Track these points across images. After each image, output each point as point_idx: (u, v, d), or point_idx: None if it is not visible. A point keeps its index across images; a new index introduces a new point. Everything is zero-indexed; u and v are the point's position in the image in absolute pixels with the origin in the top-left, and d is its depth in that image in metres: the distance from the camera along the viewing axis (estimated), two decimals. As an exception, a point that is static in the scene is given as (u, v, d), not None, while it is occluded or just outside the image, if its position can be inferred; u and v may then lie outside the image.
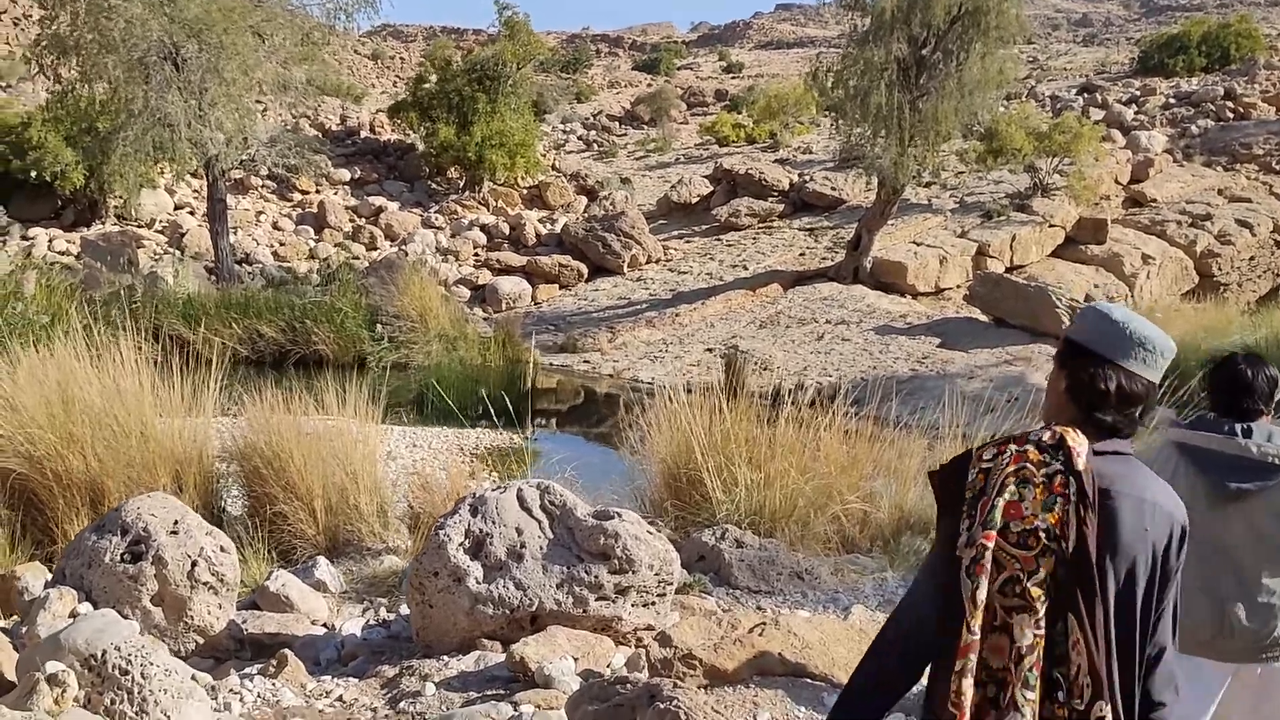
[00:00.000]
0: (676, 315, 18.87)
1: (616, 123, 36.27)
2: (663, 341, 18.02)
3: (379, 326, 16.33)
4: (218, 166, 17.78)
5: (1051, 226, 20.22)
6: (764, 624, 3.97)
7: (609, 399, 15.63)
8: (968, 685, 1.90)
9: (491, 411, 14.11)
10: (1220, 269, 19.37)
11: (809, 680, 3.83)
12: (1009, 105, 23.18)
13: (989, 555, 1.91)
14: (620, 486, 7.91)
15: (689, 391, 7.61)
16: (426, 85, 24.11)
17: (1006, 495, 1.94)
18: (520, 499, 4.61)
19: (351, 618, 5.70)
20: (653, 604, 4.53)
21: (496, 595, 4.42)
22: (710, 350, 17.19)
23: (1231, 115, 25.48)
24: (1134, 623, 1.98)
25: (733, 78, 45.18)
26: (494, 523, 4.54)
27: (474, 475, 10.12)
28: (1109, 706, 1.91)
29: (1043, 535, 1.90)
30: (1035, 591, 1.89)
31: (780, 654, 3.83)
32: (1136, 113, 26.28)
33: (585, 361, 17.03)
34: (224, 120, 17.36)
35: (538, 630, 4.38)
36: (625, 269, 21.19)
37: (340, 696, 4.18)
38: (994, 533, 1.92)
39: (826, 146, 26.83)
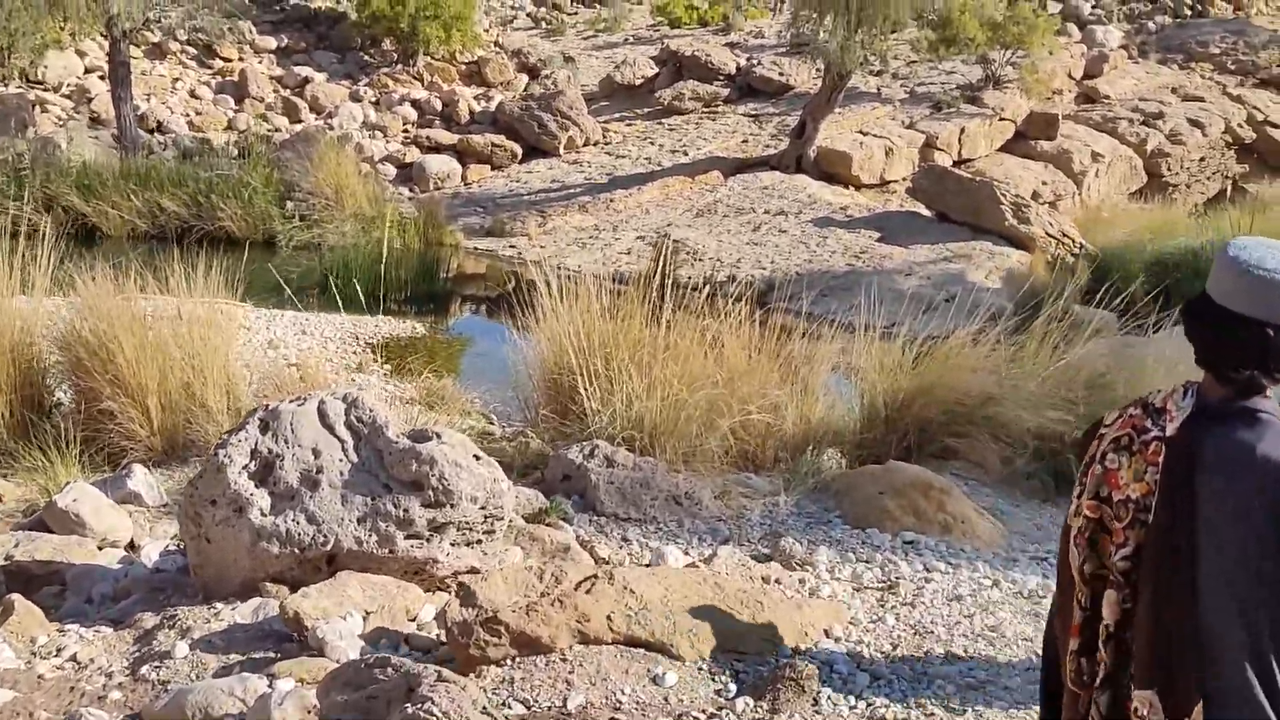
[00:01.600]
0: (611, 200, 17.79)
1: (568, 0, 34.42)
2: (594, 227, 16.99)
3: (290, 204, 15.13)
4: (118, 26, 16.21)
5: (1002, 120, 19.23)
6: (594, 578, 3.14)
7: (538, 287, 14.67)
8: (1085, 664, 1.77)
9: (401, 297, 13.18)
10: (1170, 169, 18.57)
11: (643, 650, 3.02)
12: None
13: (1092, 526, 1.83)
14: (504, 389, 7.04)
15: (618, 281, 6.75)
16: (357, -51, 22.33)
17: (1106, 463, 1.85)
18: (321, 413, 3.70)
19: (162, 539, 4.82)
20: (478, 542, 3.67)
21: (284, 530, 3.54)
22: (642, 238, 16.19)
23: (1190, 13, 24.40)
24: (1256, 592, 1.69)
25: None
26: (287, 442, 3.64)
27: (361, 368, 9.21)
28: (1157, 699, 1.69)
29: (1132, 506, 1.80)
30: (1121, 565, 1.79)
31: (610, 616, 3.01)
32: (1094, 7, 25.09)
33: (511, 246, 15.98)
34: (125, -25, 15.76)
35: (337, 573, 3.54)
36: (561, 151, 19.97)
37: (74, 655, 3.32)
38: (1096, 502, 1.84)
39: (779, 32, 25.43)
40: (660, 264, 14.81)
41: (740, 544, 4.53)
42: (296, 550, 3.53)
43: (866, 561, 4.36)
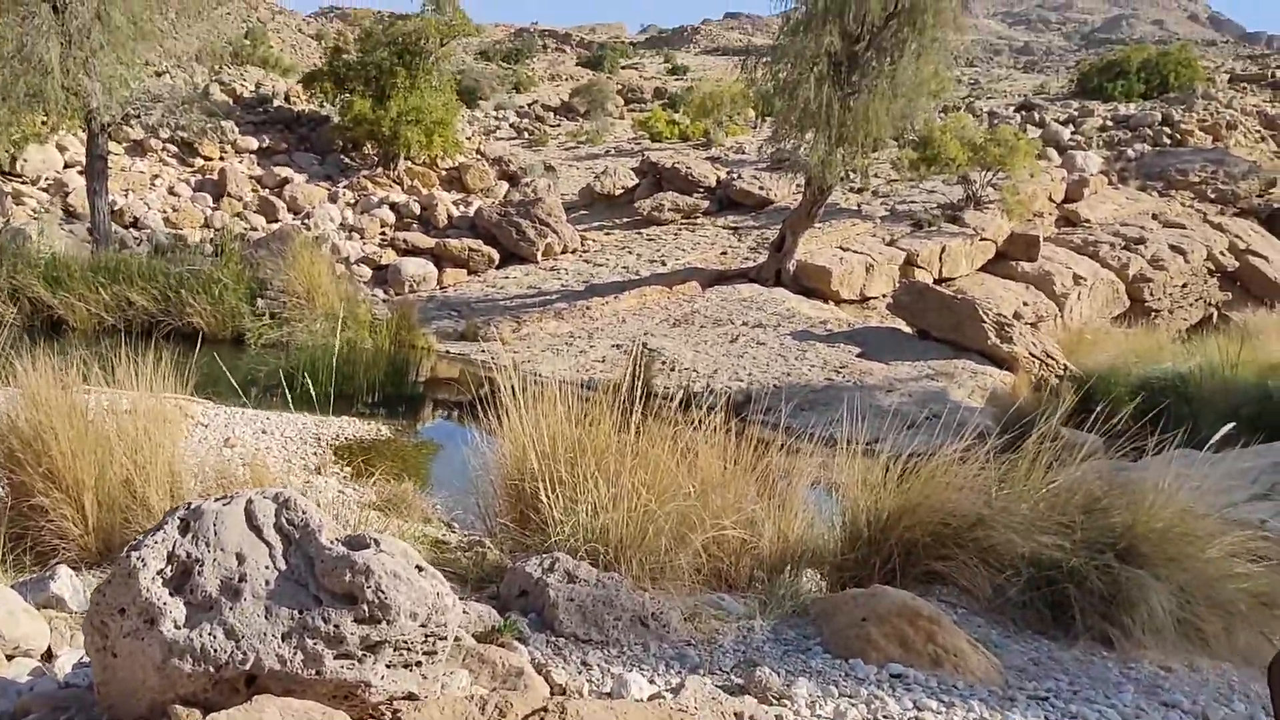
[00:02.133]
0: (587, 308, 17.68)
1: (551, 113, 35.05)
2: (570, 334, 16.83)
3: (261, 301, 14.90)
4: (98, 120, 16.17)
5: (983, 240, 19.37)
6: (544, 712, 2.79)
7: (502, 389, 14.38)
8: None
9: (370, 399, 12.84)
10: (1152, 294, 18.67)
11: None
12: (945, 116, 22.35)
13: None
14: (468, 496, 6.69)
15: (591, 388, 6.50)
16: (345, 56, 22.61)
17: None
18: (249, 514, 3.35)
19: (80, 649, 4.39)
20: (417, 664, 3.30)
21: (199, 646, 3.16)
22: (618, 346, 16.02)
23: (1169, 141, 24.96)
24: None
25: (676, 79, 44.20)
26: (209, 545, 3.28)
27: (321, 469, 8.84)
28: None
29: None
30: None
31: (560, 761, 2.65)
32: (1073, 133, 25.66)
33: (484, 351, 15.75)
34: (105, 70, 15.79)
35: (255, 696, 3.15)
36: (539, 257, 19.96)
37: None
38: None
39: (759, 148, 25.84)
40: (635, 371, 14.60)
41: (711, 672, 4.16)
42: (212, 669, 3.15)
43: (850, 697, 3.99)
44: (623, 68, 48.47)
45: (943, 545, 5.82)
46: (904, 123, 17.06)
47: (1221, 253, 19.54)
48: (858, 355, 14.83)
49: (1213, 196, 22.42)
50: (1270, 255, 20.09)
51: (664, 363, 14.92)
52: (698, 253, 20.53)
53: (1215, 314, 18.88)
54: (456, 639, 3.70)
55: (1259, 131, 26.30)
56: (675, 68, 47.59)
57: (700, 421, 6.09)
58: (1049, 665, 4.99)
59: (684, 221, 22.39)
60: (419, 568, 3.31)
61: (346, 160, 22.97)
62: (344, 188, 21.39)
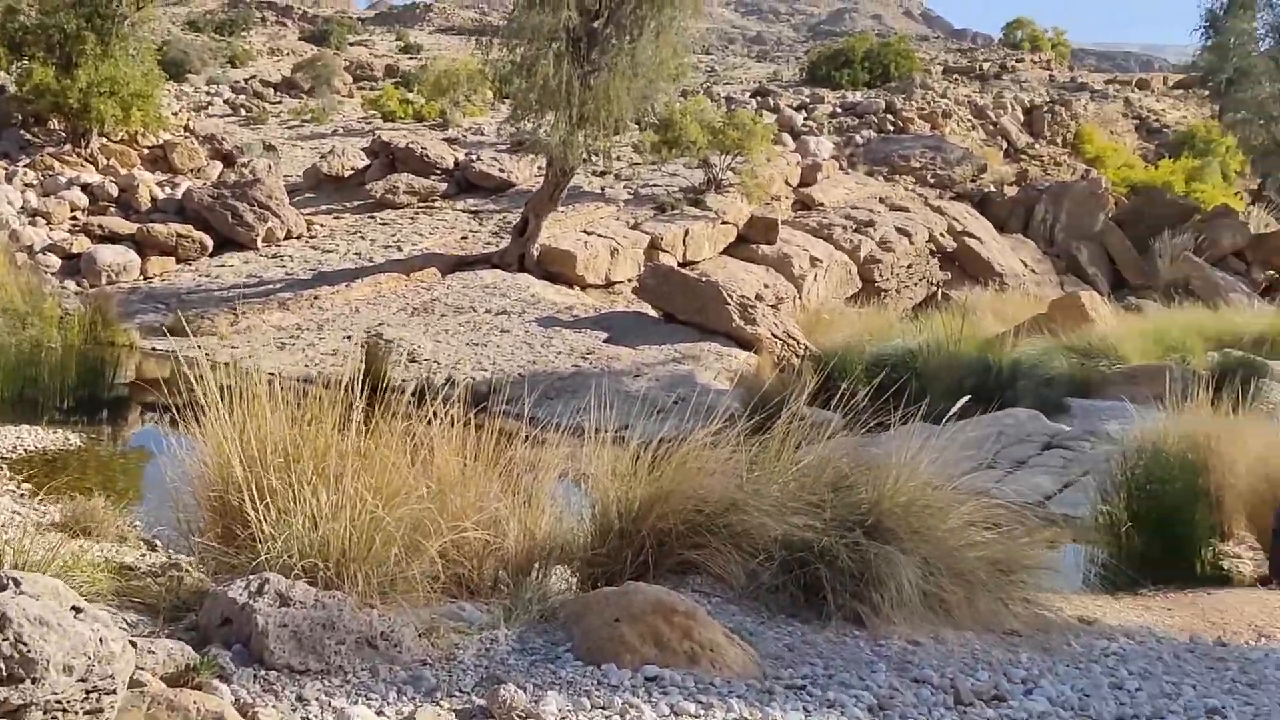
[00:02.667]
0: (316, 298, 16.72)
1: (272, 89, 33.19)
2: (296, 327, 15.85)
3: (-81, 296, 13.11)
4: None
5: (724, 223, 19.79)
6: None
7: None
8: None
9: (59, 405, 11.54)
10: (882, 275, 19.66)
11: None
12: (686, 100, 22.72)
13: None
14: (170, 510, 5.96)
15: (307, 382, 5.88)
16: (20, 17, 20.35)
17: None
18: None
19: None
20: (81, 727, 2.75)
21: None
22: (350, 338, 15.22)
23: (892, 128, 26.44)
24: None
25: (410, 58, 42.93)
26: None
27: (-10, 489, 7.73)
28: None
29: None
30: None
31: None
32: (806, 119, 26.74)
33: (198, 346, 14.52)
34: None
35: None
36: (260, 243, 18.74)
37: None
38: None
39: (499, 129, 25.40)
40: (368, 363, 13.86)
41: (450, 694, 3.78)
42: None
43: (604, 707, 3.72)
44: (351, 44, 46.65)
45: (696, 533, 5.68)
46: (645, 104, 17.09)
47: (942, 234, 20.86)
48: (605, 340, 14.74)
49: (932, 181, 23.91)
50: (983, 236, 21.63)
51: (402, 354, 14.28)
52: (436, 238, 19.90)
53: (938, 292, 20.12)
54: (139, 685, 3.15)
55: (970, 120, 28.33)
56: (408, 46, 46.26)
57: (437, 416, 5.67)
58: (804, 650, 4.93)
59: (421, 205, 21.66)
60: (76, 609, 2.75)
61: (29, 136, 20.78)
62: (24, 167, 19.31)
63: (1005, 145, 28.06)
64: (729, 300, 14.00)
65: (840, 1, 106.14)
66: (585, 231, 19.23)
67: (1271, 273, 23.67)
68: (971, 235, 21.40)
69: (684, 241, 19.01)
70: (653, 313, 15.64)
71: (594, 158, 18.21)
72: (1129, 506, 7.68)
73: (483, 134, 27.14)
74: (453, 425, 5.61)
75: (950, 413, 6.93)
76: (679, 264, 18.38)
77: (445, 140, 25.66)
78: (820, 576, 5.21)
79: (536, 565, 5.46)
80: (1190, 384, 9.66)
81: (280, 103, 31.69)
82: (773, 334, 13.84)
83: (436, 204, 21.72)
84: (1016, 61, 34.69)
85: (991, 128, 28.40)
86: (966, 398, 7.06)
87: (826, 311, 17.31)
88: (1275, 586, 6.99)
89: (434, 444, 5.56)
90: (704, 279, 15.20)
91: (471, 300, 16.93)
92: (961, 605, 5.39)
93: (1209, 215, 24.26)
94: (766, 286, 18.28)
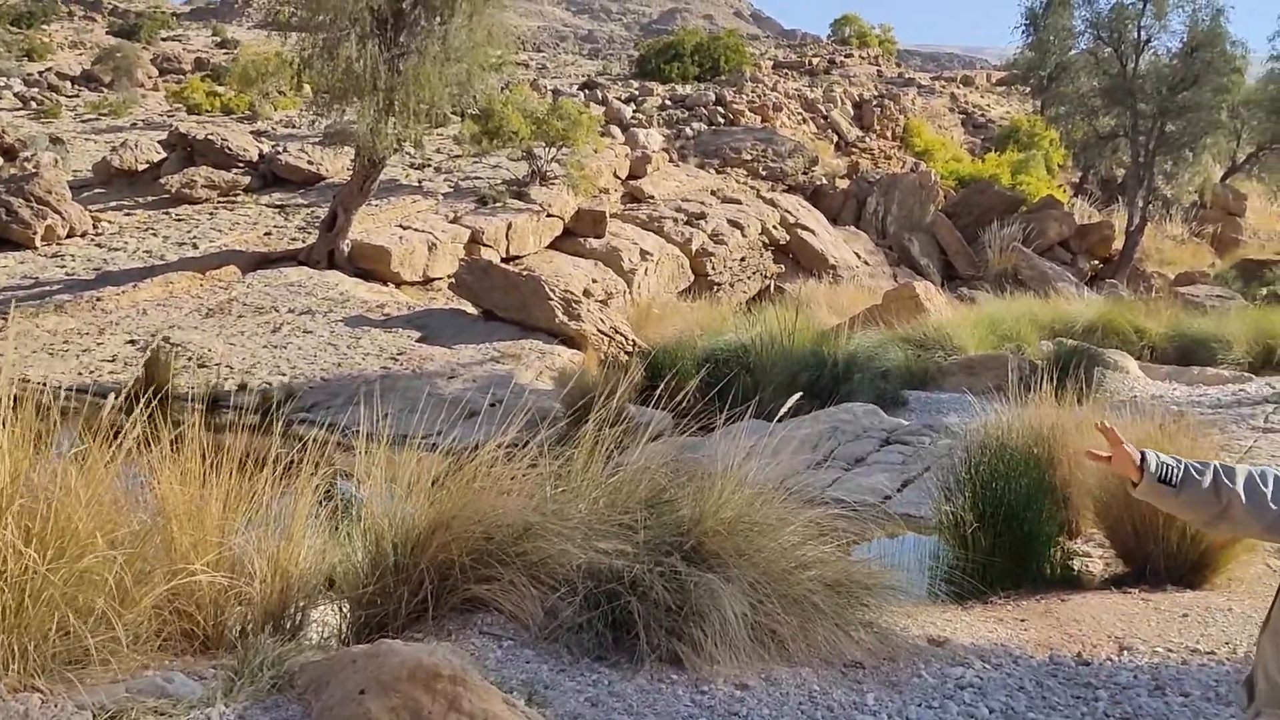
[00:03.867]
0: (98, 299, 15.12)
1: (69, 82, 30.69)
2: (74, 331, 14.25)
3: None
4: None
5: (550, 216, 18.90)
6: None
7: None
8: None
9: None
10: (714, 268, 19.13)
11: None
12: (508, 90, 21.69)
13: None
14: None
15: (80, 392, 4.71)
16: None
17: None
18: None
19: None
20: None
21: None
22: (134, 342, 13.75)
23: (723, 121, 26.04)
24: None
25: (226, 53, 40.48)
26: None
27: None
28: None
29: None
30: None
31: None
32: (635, 111, 26.10)
33: (-51, 358, 12.83)
34: None
35: None
36: (38, 241, 16.95)
37: None
38: None
39: (313, 122, 23.88)
40: (149, 370, 12.39)
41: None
42: None
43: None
44: (163, 39, 43.83)
45: (486, 564, 4.77)
46: (460, 90, 16.02)
47: (774, 226, 20.48)
48: (418, 340, 13.67)
49: (764, 174, 23.57)
50: (816, 229, 21.38)
51: (191, 359, 12.88)
52: (237, 234, 18.39)
53: (771, 285, 19.72)
54: None
55: (801, 114, 28.21)
56: (225, 40, 43.71)
57: (172, 427, 4.59)
58: (610, 705, 4.11)
59: (221, 200, 20.06)
60: None
61: None
62: None
63: (836, 139, 28.05)
64: (551, 295, 13.13)
65: (671, 2, 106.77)
66: (401, 226, 18.05)
67: (1096, 262, 24.24)
68: (804, 227, 21.11)
69: (507, 235, 18.04)
70: (472, 310, 14.64)
71: (406, 147, 17.04)
72: (974, 506, 7.14)
73: (295, 127, 25.51)
74: (178, 444, 4.54)
75: (783, 410, 6.20)
76: (502, 259, 17.41)
77: (254, 133, 23.97)
78: (632, 611, 4.41)
79: (292, 610, 4.49)
80: (1028, 374, 9.32)
81: (77, 96, 29.30)
82: (599, 330, 13.05)
83: (239, 198, 20.15)
84: (845, 57, 34.93)
85: (822, 121, 28.35)
86: (798, 395, 6.36)
87: (657, 306, 16.63)
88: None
89: (159, 466, 4.50)
90: (525, 273, 14.29)
91: (274, 300, 15.59)
92: (796, 636, 4.65)
93: (1035, 206, 24.69)
94: (595, 281, 17.48)
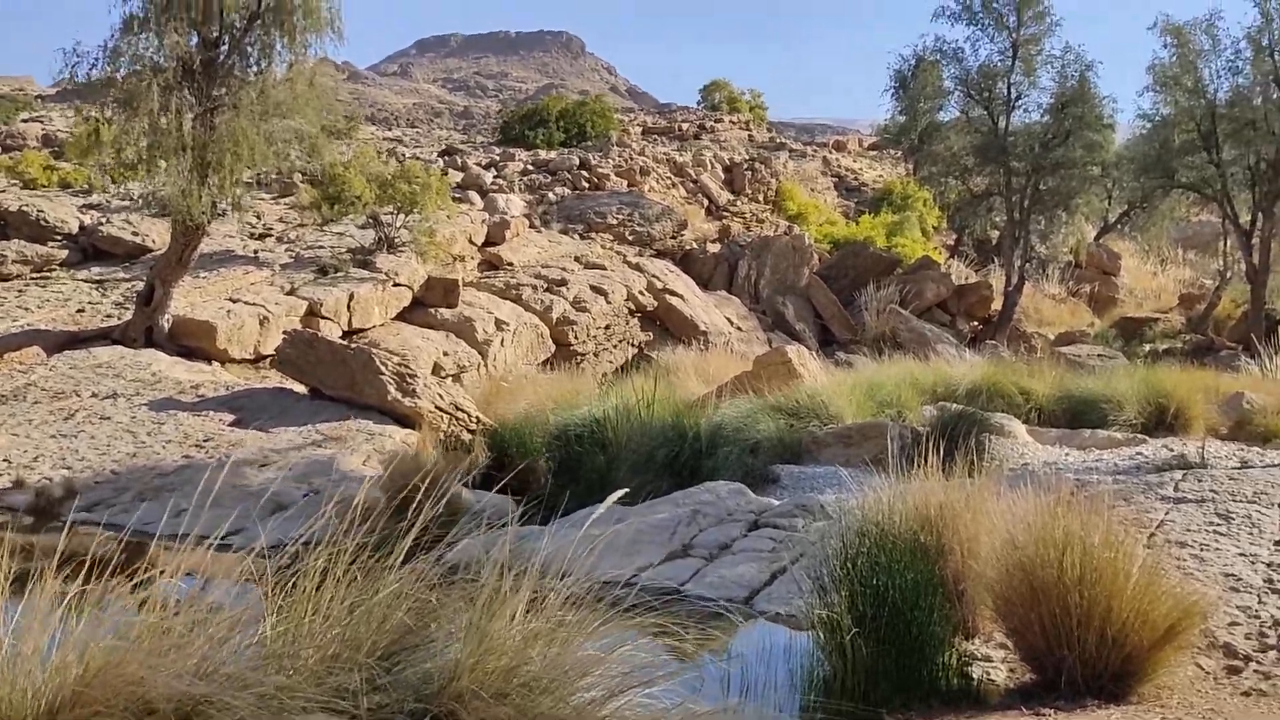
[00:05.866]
0: None
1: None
2: None
3: None
4: None
5: (397, 285, 17.44)
6: None
7: None
8: None
9: None
10: (577, 337, 17.87)
11: None
12: (349, 150, 20.27)
13: None
14: None
15: None
16: None
17: None
18: None
19: None
20: None
21: None
22: (-112, 441, 11.74)
23: (587, 185, 25.04)
24: None
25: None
26: None
27: None
28: None
29: None
30: None
31: None
32: (496, 177, 24.91)
33: None
34: None
35: None
36: None
37: None
38: None
39: (120, 190, 22.04)
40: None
41: None
42: None
43: None
44: (24, 121, 41.39)
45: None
46: (285, 148, 14.53)
47: (641, 292, 19.38)
48: (231, 424, 12.01)
49: (631, 239, 22.57)
50: (685, 294, 20.35)
51: (-46, 456, 11.00)
52: (45, 311, 16.46)
53: (637, 354, 18.56)
54: None
55: (670, 178, 27.41)
56: (88, 119, 41.29)
57: None
58: None
59: (34, 275, 18.11)
60: None
61: None
62: None
63: (707, 203, 27.30)
64: (383, 370, 11.64)
65: (546, 77, 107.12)
66: (231, 299, 16.37)
67: (976, 323, 23.76)
68: (673, 293, 20.06)
69: (349, 307, 16.50)
70: (300, 389, 13.03)
71: (229, 212, 15.47)
72: (852, 607, 5.88)
73: (133, 199, 23.60)
74: None
75: (605, 505, 4.88)
76: (344, 333, 15.88)
77: (88, 206, 22.01)
78: None
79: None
80: (910, 443, 8.28)
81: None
82: (437, 406, 11.60)
83: (54, 273, 18.22)
84: (715, 122, 34.46)
85: (692, 185, 27.60)
86: (623, 492, 5.03)
87: (512, 379, 15.24)
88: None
89: None
90: (354, 346, 12.76)
91: (77, 383, 13.76)
92: None
93: (912, 268, 24.19)
94: (446, 354, 16.03)
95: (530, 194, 24.12)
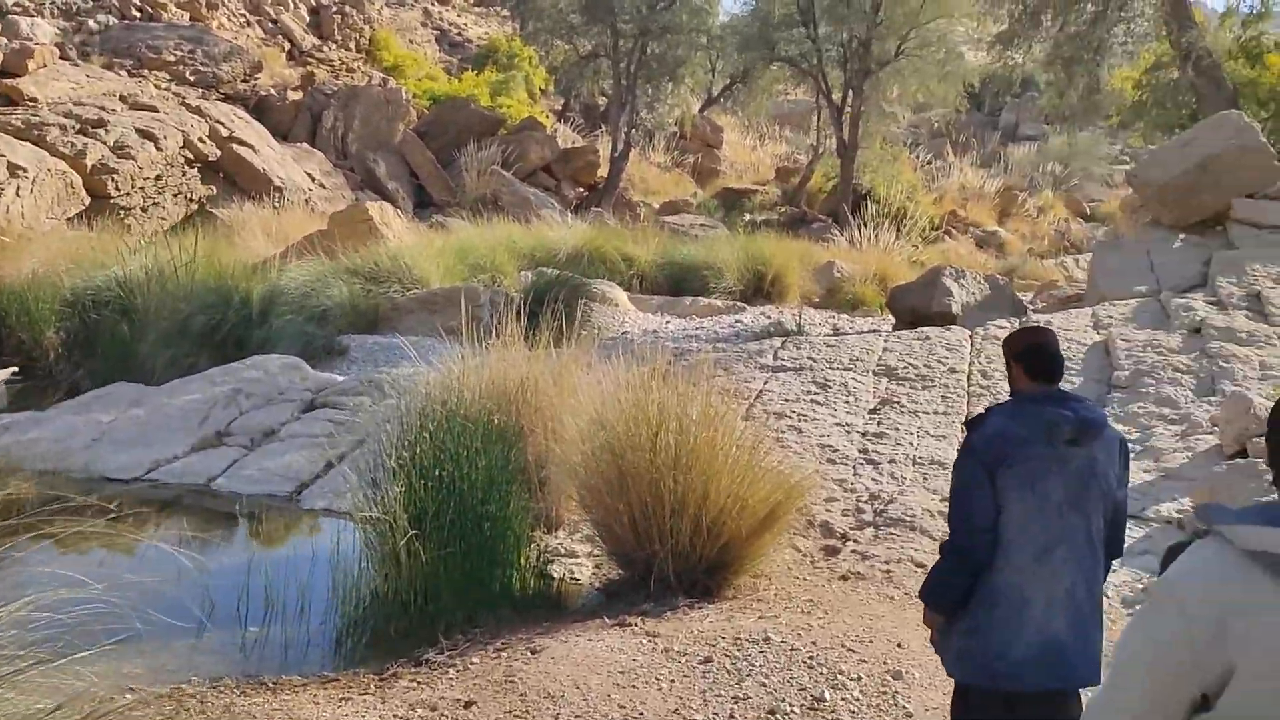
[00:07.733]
0: None
1: None
2: None
3: None
4: None
5: None
6: None
7: None
8: None
9: None
10: (119, 188, 15.35)
11: None
12: None
13: None
14: None
15: None
16: None
17: None
18: None
19: None
20: None
21: None
22: None
23: (139, 15, 21.75)
24: None
25: None
26: None
27: None
28: None
29: None
30: None
31: None
32: (21, -4, 20.99)
33: None
34: None
35: None
36: None
37: None
38: None
39: None
40: None
41: None
42: None
43: None
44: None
45: None
46: None
47: (202, 140, 17.00)
48: None
49: (192, 79, 19.88)
50: (257, 145, 18.17)
51: None
52: None
53: (198, 209, 16.35)
54: None
55: (244, 16, 24.54)
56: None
57: None
58: None
59: None
60: None
61: None
62: None
63: (289, 46, 24.71)
64: None
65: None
66: None
67: (581, 189, 23.31)
68: (242, 142, 17.82)
69: None
70: None
71: None
72: (410, 503, 4.91)
73: None
74: None
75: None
76: None
77: None
78: None
79: None
80: (503, 309, 7.41)
81: None
82: (-101, 266, 9.26)
83: None
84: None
85: (271, 25, 24.83)
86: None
87: (34, 235, 12.79)
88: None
89: None
90: None
91: None
92: None
93: (516, 129, 23.22)
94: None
95: (66, 20, 20.56)
